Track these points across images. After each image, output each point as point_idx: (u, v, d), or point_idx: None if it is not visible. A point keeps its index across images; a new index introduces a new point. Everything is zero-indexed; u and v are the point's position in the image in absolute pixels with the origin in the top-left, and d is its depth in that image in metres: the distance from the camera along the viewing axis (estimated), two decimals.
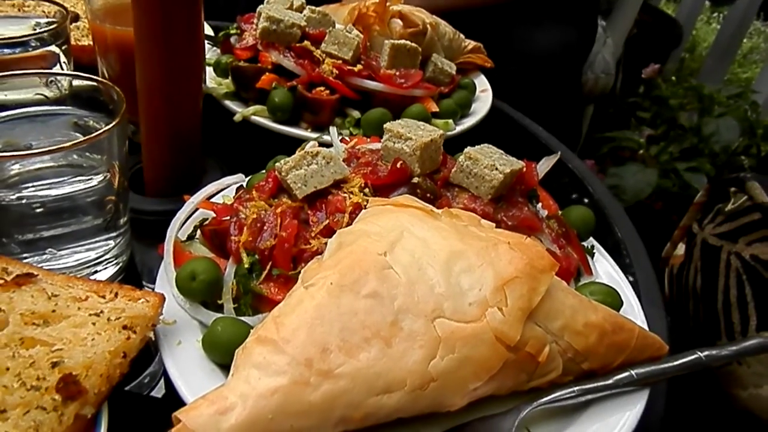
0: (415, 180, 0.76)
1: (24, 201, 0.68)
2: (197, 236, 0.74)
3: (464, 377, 0.56)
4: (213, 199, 0.81)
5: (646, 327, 0.73)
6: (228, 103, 1.09)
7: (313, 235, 0.70)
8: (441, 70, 1.17)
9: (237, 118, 1.05)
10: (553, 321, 0.61)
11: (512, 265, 0.60)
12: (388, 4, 1.21)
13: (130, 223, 0.87)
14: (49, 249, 0.71)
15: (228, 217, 0.72)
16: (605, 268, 0.83)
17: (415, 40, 1.14)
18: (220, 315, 0.65)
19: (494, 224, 0.69)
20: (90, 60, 1.05)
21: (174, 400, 0.57)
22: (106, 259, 0.78)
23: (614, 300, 0.73)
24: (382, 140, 0.80)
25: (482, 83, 1.31)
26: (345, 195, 0.72)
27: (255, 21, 1.17)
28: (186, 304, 0.66)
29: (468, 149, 0.79)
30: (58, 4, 0.95)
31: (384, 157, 0.80)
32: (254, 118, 1.05)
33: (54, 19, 0.96)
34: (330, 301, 0.55)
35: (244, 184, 0.82)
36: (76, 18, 1.17)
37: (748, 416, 0.95)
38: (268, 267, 0.67)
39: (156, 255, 0.74)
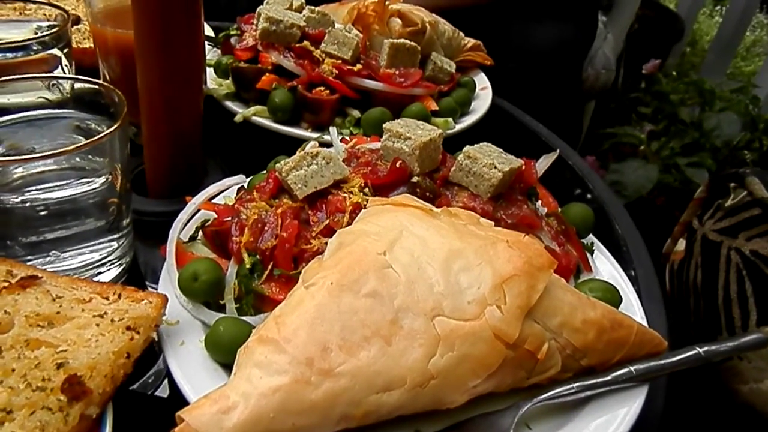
0: (415, 179, 0.76)
1: (27, 204, 0.69)
2: (199, 237, 0.75)
3: (464, 375, 0.56)
4: (214, 200, 0.82)
5: (645, 323, 0.74)
6: (229, 103, 1.09)
7: (313, 234, 0.71)
8: (440, 69, 1.17)
9: (238, 118, 1.06)
10: (552, 318, 0.61)
11: (511, 263, 0.61)
12: (387, 3, 1.21)
13: (133, 224, 0.88)
14: (53, 251, 0.71)
15: (229, 218, 0.73)
16: (605, 265, 0.83)
17: (415, 38, 1.15)
18: (222, 315, 0.66)
19: (493, 223, 0.69)
20: (91, 63, 1.05)
21: (178, 399, 0.58)
22: (109, 261, 0.79)
23: (613, 297, 0.73)
24: (381, 140, 0.80)
25: (482, 81, 1.31)
26: (345, 195, 0.72)
27: (255, 22, 1.17)
28: (188, 304, 0.67)
29: (467, 148, 0.79)
30: (58, 7, 0.96)
31: (383, 156, 0.80)
32: (255, 118, 1.06)
33: (55, 23, 0.97)
34: (330, 300, 0.56)
35: (245, 185, 0.82)
36: (77, 21, 1.17)
37: (748, 411, 0.95)
38: (269, 267, 0.68)
39: (159, 255, 0.74)
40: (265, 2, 1.21)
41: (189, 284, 0.66)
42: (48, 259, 0.72)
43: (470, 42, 1.34)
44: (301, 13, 1.16)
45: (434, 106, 1.10)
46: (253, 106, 1.08)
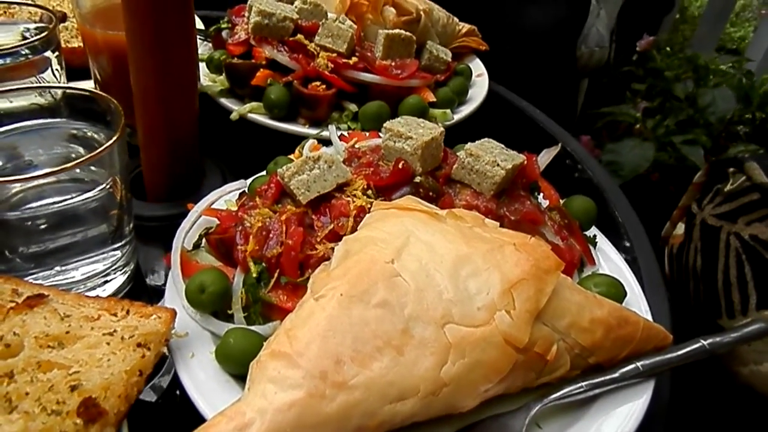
0: (418, 179, 0.76)
1: (27, 217, 0.68)
2: (203, 245, 0.75)
3: (475, 380, 0.57)
4: (216, 205, 0.81)
5: (649, 315, 0.75)
6: (223, 100, 1.08)
7: (318, 240, 0.70)
8: (437, 58, 1.16)
9: (233, 116, 1.04)
10: (560, 319, 0.62)
11: (518, 267, 0.61)
12: None
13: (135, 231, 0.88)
14: (56, 264, 0.71)
15: (233, 225, 0.73)
16: (607, 255, 0.84)
17: (409, 28, 1.13)
18: (231, 325, 0.66)
19: (498, 224, 0.69)
20: (81, 62, 1.03)
21: (191, 412, 0.58)
22: (114, 269, 0.78)
23: (618, 291, 0.74)
24: (382, 139, 0.80)
25: (478, 67, 1.30)
26: (348, 198, 0.72)
27: (246, 14, 1.15)
28: (197, 315, 0.67)
29: (469, 146, 0.79)
30: (42, 7, 0.93)
31: (385, 156, 0.80)
32: (251, 115, 1.05)
33: (43, 24, 0.94)
34: (341, 312, 0.56)
35: (246, 189, 0.82)
36: (63, 18, 1.14)
37: (749, 392, 0.97)
38: (276, 275, 0.68)
39: (161, 259, 0.74)
40: None
41: (196, 296, 0.65)
42: (51, 272, 0.71)
43: (465, 27, 1.32)
44: (292, 4, 1.14)
45: (431, 98, 1.09)
46: (248, 102, 1.07)
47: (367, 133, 0.96)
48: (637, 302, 0.76)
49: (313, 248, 0.70)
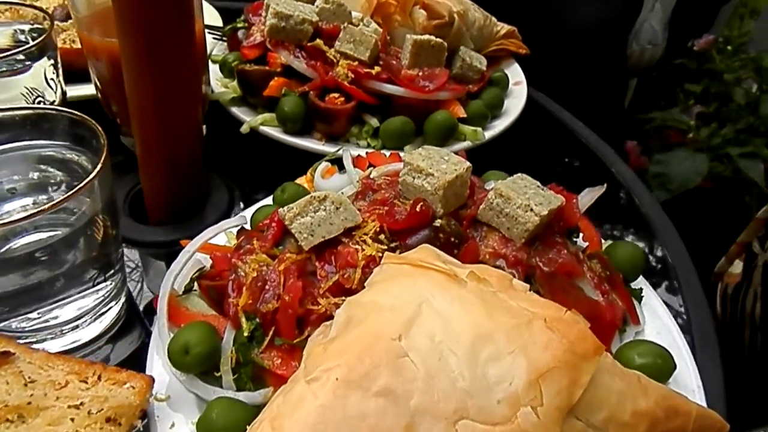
0: (438, 223, 0.67)
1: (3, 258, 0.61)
2: (195, 289, 0.67)
3: None
4: (217, 239, 0.73)
5: (701, 393, 0.65)
6: (235, 110, 1.00)
7: (321, 292, 0.62)
8: (470, 66, 1.05)
9: (244, 129, 0.96)
10: (597, 413, 0.52)
11: (549, 351, 0.51)
12: None
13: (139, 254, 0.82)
14: (36, 307, 0.64)
15: (227, 269, 0.65)
16: (654, 311, 0.73)
17: (441, 32, 1.02)
18: (218, 390, 0.59)
19: (528, 286, 0.59)
20: (85, 65, 0.96)
21: None
22: (105, 302, 0.72)
23: (666, 364, 0.64)
24: (400, 174, 0.70)
25: (516, 74, 1.18)
26: (357, 246, 0.63)
27: (263, 13, 1.06)
28: (181, 376, 0.60)
29: (499, 185, 0.69)
30: (36, 7, 0.86)
31: (402, 193, 0.70)
32: (263, 128, 0.96)
33: (39, 26, 0.87)
34: (335, 401, 0.47)
35: (248, 223, 0.74)
36: (66, 17, 1.07)
37: None
38: (270, 334, 0.60)
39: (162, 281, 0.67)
40: None
41: (180, 357, 0.58)
42: (32, 315, 0.65)
43: (504, 29, 1.20)
44: (313, 3, 1.04)
45: (461, 113, 0.98)
46: (261, 113, 0.99)
47: (388, 153, 0.86)
48: (688, 376, 0.66)
49: (315, 302, 0.62)
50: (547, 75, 1.29)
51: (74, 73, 0.97)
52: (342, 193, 0.73)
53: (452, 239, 0.67)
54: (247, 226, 0.74)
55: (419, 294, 0.54)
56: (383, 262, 0.60)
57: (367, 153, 0.86)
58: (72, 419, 0.50)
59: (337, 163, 0.85)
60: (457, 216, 0.70)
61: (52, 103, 0.85)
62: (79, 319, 0.70)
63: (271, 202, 0.79)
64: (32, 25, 0.86)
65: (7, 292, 0.62)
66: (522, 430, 0.48)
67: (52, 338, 0.69)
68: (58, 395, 0.52)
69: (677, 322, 0.72)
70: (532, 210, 0.66)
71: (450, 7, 1.05)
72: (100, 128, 0.62)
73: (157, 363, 0.61)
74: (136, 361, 0.64)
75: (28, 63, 0.83)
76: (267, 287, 0.61)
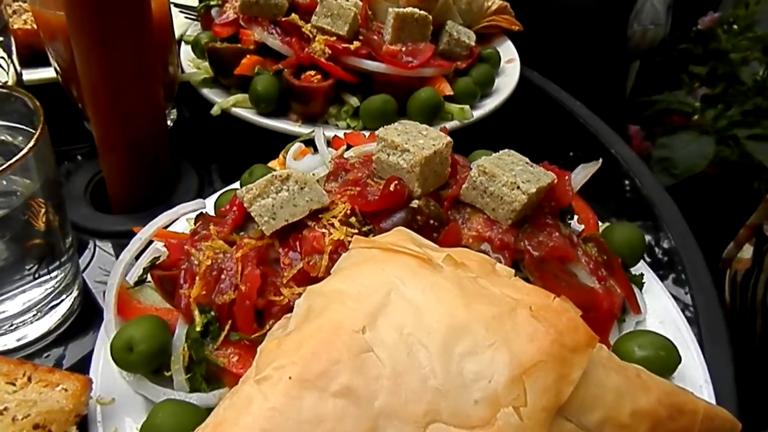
0: (415, 204, 0.60)
1: None
2: (149, 280, 0.61)
3: None
4: (176, 225, 0.67)
5: (710, 389, 0.58)
6: (206, 91, 0.94)
7: (284, 282, 0.56)
8: (457, 41, 0.98)
9: (214, 111, 0.90)
10: (590, 413, 0.46)
11: (534, 343, 0.45)
12: None
13: (93, 246, 0.76)
14: None
15: (182, 258, 0.59)
16: (656, 298, 0.67)
17: (426, 5, 0.95)
18: (168, 391, 0.53)
19: (513, 271, 0.53)
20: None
21: None
22: (54, 295, 0.66)
23: (669, 356, 0.58)
24: (374, 151, 0.64)
25: (508, 51, 1.11)
26: (324, 231, 0.57)
27: None
28: (128, 376, 0.54)
29: (482, 161, 0.62)
30: None
31: (377, 172, 0.64)
32: (235, 110, 0.90)
33: None
34: (287, 403, 0.41)
35: (208, 209, 0.67)
36: None
37: None
38: (226, 327, 0.54)
39: None
40: None
41: (123, 355, 0.52)
42: None
43: (495, 4, 1.13)
44: None
45: (448, 90, 0.92)
46: (234, 94, 0.92)
47: (367, 134, 0.80)
48: (695, 369, 0.59)
49: (278, 292, 0.55)
50: (542, 55, 1.22)
51: (39, 56, 0.91)
52: (313, 174, 0.67)
53: (431, 222, 0.61)
54: (212, 213, 0.68)
55: (388, 281, 0.48)
56: (351, 246, 0.54)
57: (345, 134, 0.79)
58: None
59: (313, 144, 0.79)
60: (437, 197, 0.64)
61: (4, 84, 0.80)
62: (26, 313, 0.64)
63: (238, 187, 0.73)
64: None
65: None
66: None
67: (2, 334, 0.64)
68: None
69: (683, 312, 0.65)
70: (518, 188, 0.60)
71: None
72: (37, 102, 0.56)
73: (103, 362, 0.55)
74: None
75: None
76: (223, 277, 0.55)
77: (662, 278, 0.71)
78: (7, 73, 0.80)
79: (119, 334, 0.53)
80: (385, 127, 0.65)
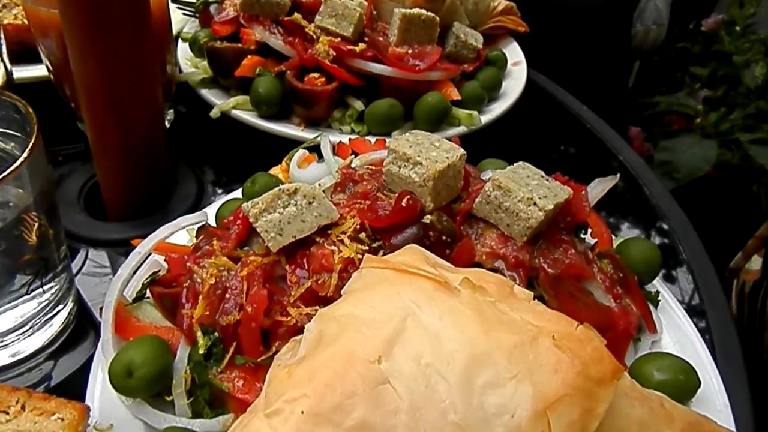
0: (427, 219, 0.58)
1: None
2: (148, 296, 0.58)
3: None
4: (175, 237, 0.64)
5: (729, 415, 0.56)
6: (204, 92, 0.90)
7: (291, 301, 0.53)
8: (464, 44, 0.95)
9: (214, 113, 0.87)
10: None
11: (558, 375, 0.43)
12: None
13: (87, 255, 0.73)
14: None
15: (183, 275, 0.56)
16: (671, 317, 0.65)
17: (433, 6, 0.93)
18: (169, 417, 0.50)
19: (531, 294, 0.51)
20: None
21: None
22: (49, 309, 0.63)
23: (689, 380, 0.56)
24: (384, 162, 0.61)
25: (515, 53, 1.09)
26: (333, 248, 0.55)
27: None
28: (127, 400, 0.51)
29: (497, 175, 0.60)
30: None
31: (387, 184, 0.62)
32: (235, 113, 0.87)
33: None
34: None
35: (211, 217, 0.65)
36: None
37: None
38: (231, 351, 0.51)
39: None
40: None
41: (123, 380, 0.49)
42: None
43: (501, 4, 1.10)
44: None
45: (455, 95, 0.89)
46: (234, 95, 0.89)
47: (373, 140, 0.78)
48: (713, 393, 0.57)
49: (285, 312, 0.53)
50: (547, 55, 1.20)
51: (31, 52, 0.88)
52: (319, 184, 0.65)
53: (444, 238, 0.58)
54: (213, 224, 0.65)
55: (404, 306, 0.46)
56: (362, 266, 0.51)
57: (350, 139, 0.77)
58: None
59: (317, 150, 0.76)
60: (449, 211, 0.61)
61: None
62: (19, 328, 0.61)
63: (240, 195, 0.70)
64: None
65: None
66: None
67: None
68: None
69: (696, 329, 0.64)
70: (535, 204, 0.57)
71: None
72: (30, 109, 0.53)
73: (101, 385, 0.53)
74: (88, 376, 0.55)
75: None
76: (227, 296, 0.53)
77: (673, 293, 0.70)
78: None
79: (118, 358, 0.50)
80: (396, 137, 0.62)
